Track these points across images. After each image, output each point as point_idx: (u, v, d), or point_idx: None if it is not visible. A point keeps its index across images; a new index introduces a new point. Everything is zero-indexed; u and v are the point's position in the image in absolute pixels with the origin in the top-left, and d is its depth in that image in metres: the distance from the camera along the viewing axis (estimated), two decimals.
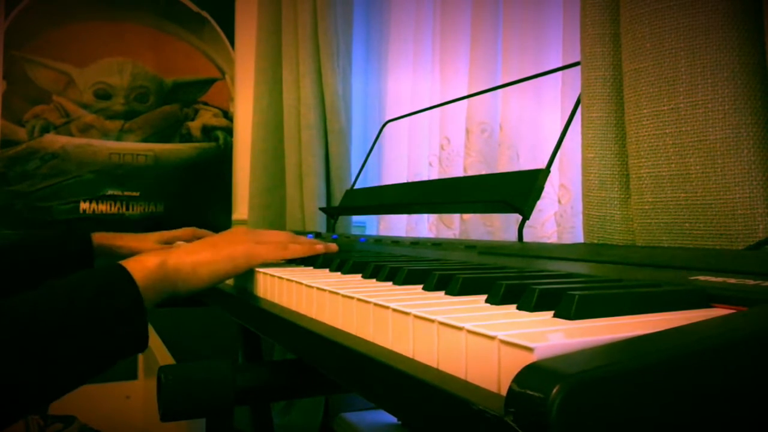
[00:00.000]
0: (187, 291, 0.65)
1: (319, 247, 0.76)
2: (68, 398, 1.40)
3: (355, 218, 1.62)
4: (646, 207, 0.69)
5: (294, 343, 0.52)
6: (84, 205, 1.92)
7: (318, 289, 0.51)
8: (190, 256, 0.66)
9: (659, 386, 0.25)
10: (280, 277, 0.60)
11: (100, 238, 1.02)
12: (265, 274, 0.65)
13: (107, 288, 0.57)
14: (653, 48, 0.67)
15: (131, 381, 1.48)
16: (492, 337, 0.29)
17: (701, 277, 0.42)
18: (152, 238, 1.03)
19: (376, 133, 1.45)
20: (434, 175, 1.42)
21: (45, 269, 0.95)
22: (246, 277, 0.72)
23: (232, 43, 2.10)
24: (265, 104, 1.78)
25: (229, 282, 0.79)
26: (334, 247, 0.80)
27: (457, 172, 1.34)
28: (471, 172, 1.26)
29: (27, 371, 0.51)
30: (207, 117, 2.07)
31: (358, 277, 0.58)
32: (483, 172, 1.24)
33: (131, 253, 0.97)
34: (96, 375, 0.56)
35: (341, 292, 0.47)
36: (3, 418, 0.50)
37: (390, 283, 0.52)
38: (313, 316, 0.52)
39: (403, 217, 1.50)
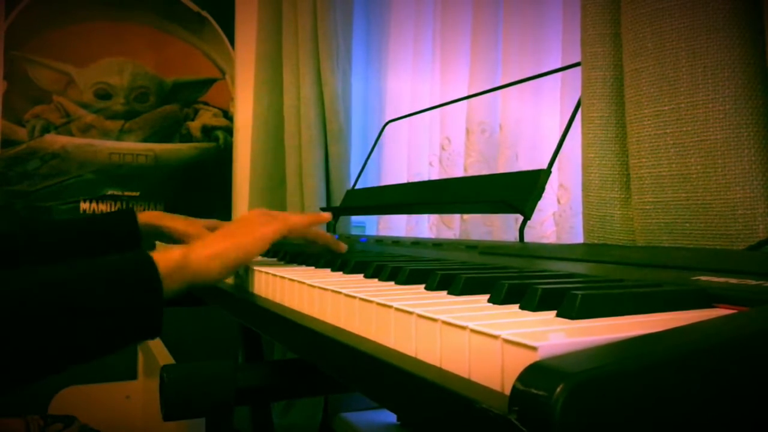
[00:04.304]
0: (203, 283, 0.66)
1: (311, 218, 0.81)
2: (68, 398, 1.39)
3: (355, 218, 1.62)
4: (647, 207, 0.69)
5: (296, 342, 0.52)
6: (84, 205, 1.92)
7: (320, 288, 0.51)
8: (205, 250, 0.66)
9: (662, 385, 0.25)
10: (282, 277, 0.61)
11: (147, 217, 0.99)
12: (267, 273, 0.66)
13: (130, 266, 0.59)
14: (654, 48, 0.67)
15: (131, 381, 1.48)
16: (495, 336, 0.30)
17: (703, 278, 0.42)
18: (200, 223, 1.02)
19: (376, 133, 1.45)
20: (435, 175, 1.42)
21: (91, 252, 0.94)
22: (248, 276, 0.72)
23: (232, 43, 2.10)
24: (265, 104, 1.78)
25: (229, 281, 0.79)
26: (328, 238, 0.84)
27: (458, 172, 1.34)
28: (471, 172, 1.26)
29: (48, 332, 0.52)
30: (207, 117, 2.07)
31: (360, 276, 0.58)
32: (483, 173, 1.24)
33: (179, 235, 0.97)
34: (108, 352, 0.56)
35: (343, 291, 0.47)
36: (22, 376, 0.51)
37: (392, 283, 0.52)
38: (316, 316, 0.52)
39: (403, 217, 1.50)
